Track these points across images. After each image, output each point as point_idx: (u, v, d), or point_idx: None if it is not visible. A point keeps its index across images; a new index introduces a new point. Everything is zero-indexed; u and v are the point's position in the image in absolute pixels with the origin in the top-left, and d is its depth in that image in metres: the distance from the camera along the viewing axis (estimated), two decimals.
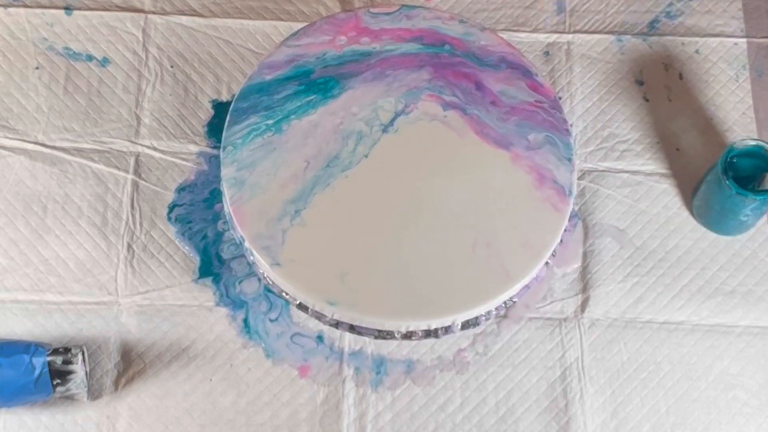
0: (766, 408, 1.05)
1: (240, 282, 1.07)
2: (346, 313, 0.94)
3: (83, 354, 1.00)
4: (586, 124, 1.16)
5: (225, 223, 1.09)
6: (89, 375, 1.02)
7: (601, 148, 1.15)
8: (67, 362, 0.99)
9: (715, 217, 1.08)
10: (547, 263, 0.98)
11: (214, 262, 1.08)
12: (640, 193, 1.13)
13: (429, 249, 0.95)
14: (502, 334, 1.07)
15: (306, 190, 0.96)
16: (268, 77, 1.01)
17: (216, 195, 1.10)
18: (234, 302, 1.07)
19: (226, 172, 0.97)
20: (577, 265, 1.10)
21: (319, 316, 0.97)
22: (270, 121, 0.99)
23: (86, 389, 1.00)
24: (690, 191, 1.12)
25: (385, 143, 0.99)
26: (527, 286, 0.98)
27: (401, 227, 0.96)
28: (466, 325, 0.98)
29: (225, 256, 1.08)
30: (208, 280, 1.07)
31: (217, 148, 1.10)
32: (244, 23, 1.19)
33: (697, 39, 1.20)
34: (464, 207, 0.96)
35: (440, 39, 1.03)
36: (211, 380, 1.04)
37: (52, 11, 1.17)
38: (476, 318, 0.97)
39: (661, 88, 1.17)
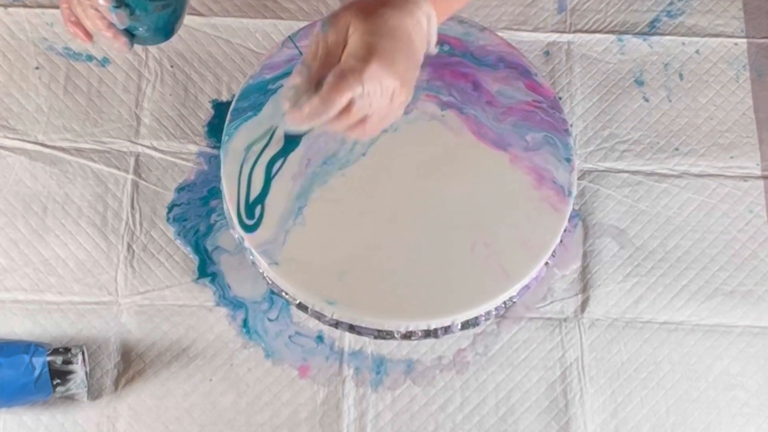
0: (766, 408, 1.05)
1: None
2: (345, 312, 0.94)
3: (83, 354, 1.00)
4: (586, 124, 1.16)
5: (220, 215, 1.09)
6: (89, 375, 1.02)
7: (601, 148, 1.15)
8: (67, 362, 0.99)
9: None
10: (546, 263, 0.98)
11: (213, 260, 1.08)
12: (640, 193, 1.13)
13: (428, 249, 0.95)
14: (502, 334, 1.07)
15: (304, 187, 0.97)
16: (269, 77, 1.01)
17: (214, 193, 1.10)
18: (233, 302, 1.07)
19: (226, 170, 0.97)
20: (576, 265, 1.10)
21: (319, 316, 0.97)
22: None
23: (86, 389, 1.00)
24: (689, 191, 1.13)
25: (384, 142, 0.98)
26: (527, 286, 0.98)
27: (400, 227, 0.96)
28: (465, 325, 0.98)
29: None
30: (207, 280, 1.07)
31: (217, 147, 1.11)
32: (243, 22, 1.19)
33: (697, 39, 1.19)
34: (463, 207, 0.96)
35: (439, 39, 1.03)
36: (211, 380, 1.04)
37: (52, 11, 1.17)
38: (476, 318, 0.97)
39: (661, 88, 1.17)
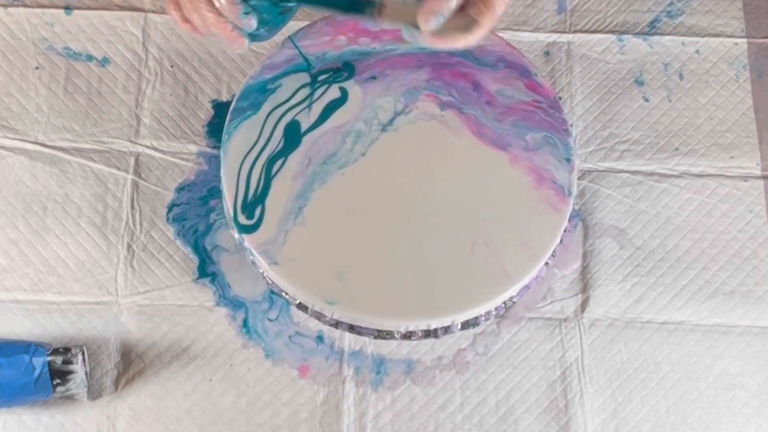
0: (766, 408, 1.05)
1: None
2: (344, 312, 0.94)
3: (83, 354, 1.00)
4: (586, 124, 1.16)
5: (219, 215, 1.09)
6: (89, 375, 1.02)
7: (601, 148, 1.15)
8: (67, 362, 0.99)
9: None
10: (546, 263, 0.98)
11: (213, 260, 1.08)
12: (640, 193, 1.13)
13: (427, 249, 0.95)
14: (502, 334, 1.07)
15: (304, 187, 0.97)
16: (269, 77, 1.01)
17: (214, 193, 1.10)
18: (233, 302, 1.07)
19: (226, 170, 0.97)
20: (576, 265, 1.10)
21: (319, 316, 0.97)
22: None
23: (86, 389, 1.00)
24: (689, 191, 1.13)
25: (384, 142, 0.98)
26: (527, 286, 0.98)
27: (400, 226, 0.96)
28: (465, 325, 0.98)
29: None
30: (207, 280, 1.07)
31: (217, 147, 1.11)
32: None
33: (697, 39, 1.20)
34: (463, 207, 0.96)
35: None
36: (211, 380, 1.04)
37: (52, 11, 1.17)
38: (476, 318, 0.97)
39: (661, 88, 1.17)
